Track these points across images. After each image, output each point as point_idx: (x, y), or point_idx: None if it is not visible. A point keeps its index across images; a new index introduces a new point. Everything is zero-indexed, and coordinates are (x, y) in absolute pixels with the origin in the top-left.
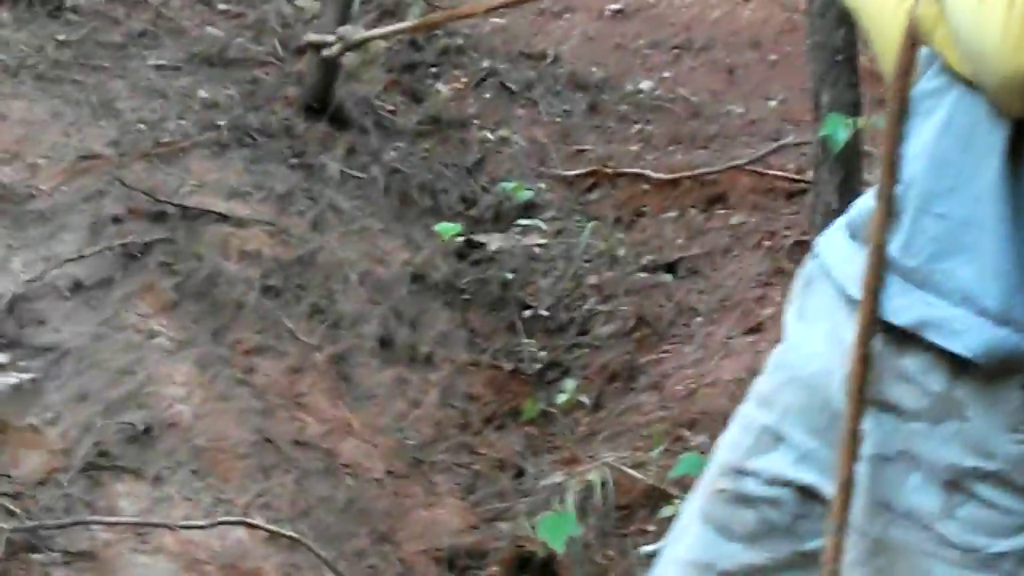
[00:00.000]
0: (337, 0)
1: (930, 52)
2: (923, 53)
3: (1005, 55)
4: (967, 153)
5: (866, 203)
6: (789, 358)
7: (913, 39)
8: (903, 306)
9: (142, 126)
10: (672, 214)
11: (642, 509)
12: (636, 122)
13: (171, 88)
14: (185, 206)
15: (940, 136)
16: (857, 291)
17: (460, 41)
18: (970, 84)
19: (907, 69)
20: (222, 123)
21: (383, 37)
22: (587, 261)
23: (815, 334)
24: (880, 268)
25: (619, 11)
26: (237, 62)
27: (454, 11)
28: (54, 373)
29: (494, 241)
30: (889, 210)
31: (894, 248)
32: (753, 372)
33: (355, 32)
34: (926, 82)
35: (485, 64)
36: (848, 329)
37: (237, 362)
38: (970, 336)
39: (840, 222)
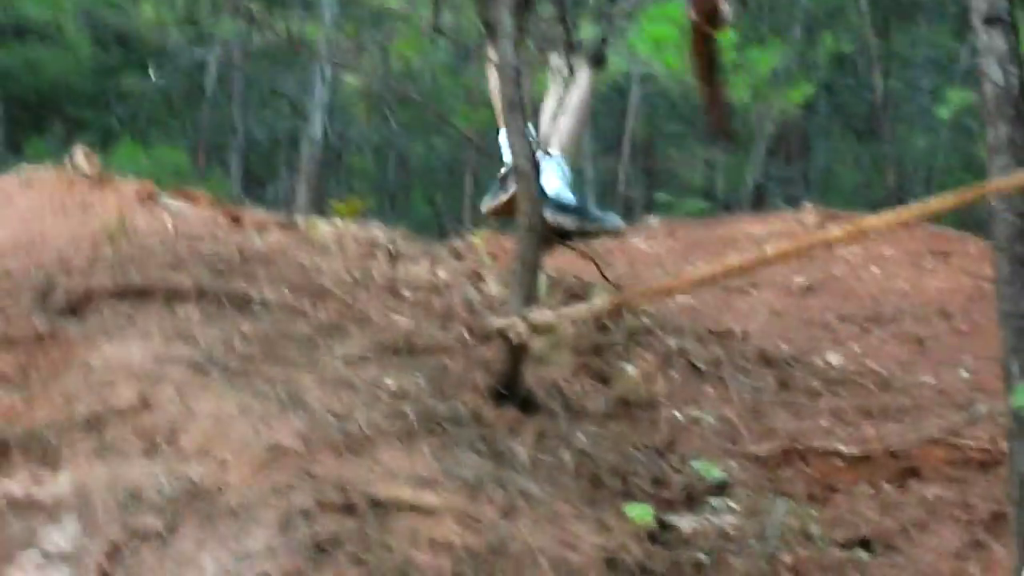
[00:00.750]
0: (523, 285)
1: None
2: None
3: None
4: None
5: None
6: None
7: None
8: None
9: (331, 418)
10: (865, 489)
11: None
12: (826, 397)
13: (358, 378)
14: (375, 497)
15: None
16: None
17: (647, 321)
18: None
19: None
20: (410, 412)
21: (570, 320)
22: (781, 540)
23: None
24: None
25: (806, 286)
26: (424, 350)
27: (641, 292)
28: None
29: (686, 522)
30: None
31: None
32: None
33: (542, 316)
34: None
35: (672, 343)
36: None
37: None
38: None
39: None
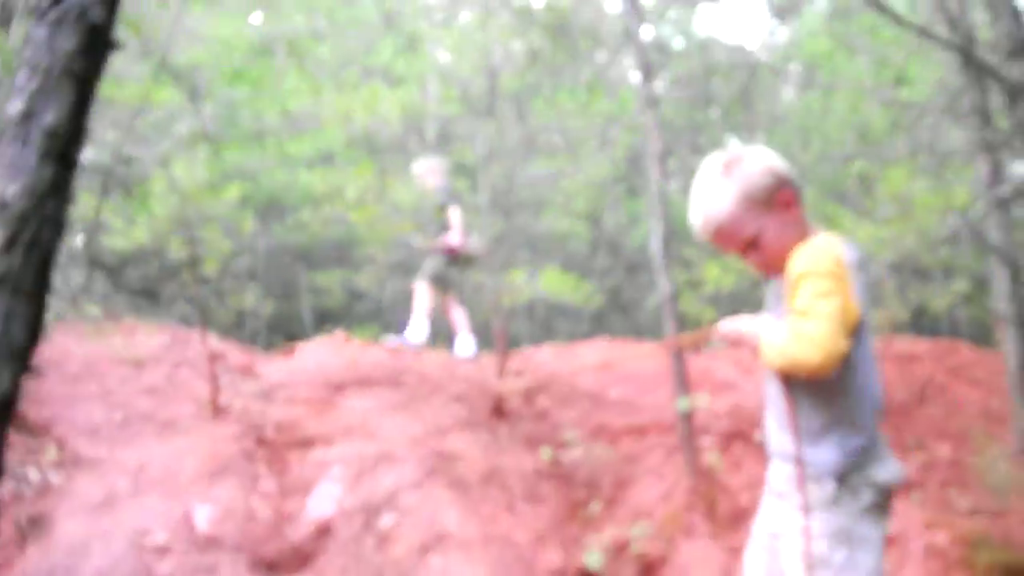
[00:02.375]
0: (498, 362)
1: None
2: None
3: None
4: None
5: None
6: None
7: None
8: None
9: (432, 423)
10: None
11: None
12: None
13: (444, 410)
14: (447, 451)
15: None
16: None
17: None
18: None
19: None
20: (463, 418)
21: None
22: None
23: None
24: None
25: None
26: (466, 397)
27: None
28: None
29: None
30: None
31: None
32: None
33: (512, 384)
34: None
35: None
36: None
37: None
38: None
39: None
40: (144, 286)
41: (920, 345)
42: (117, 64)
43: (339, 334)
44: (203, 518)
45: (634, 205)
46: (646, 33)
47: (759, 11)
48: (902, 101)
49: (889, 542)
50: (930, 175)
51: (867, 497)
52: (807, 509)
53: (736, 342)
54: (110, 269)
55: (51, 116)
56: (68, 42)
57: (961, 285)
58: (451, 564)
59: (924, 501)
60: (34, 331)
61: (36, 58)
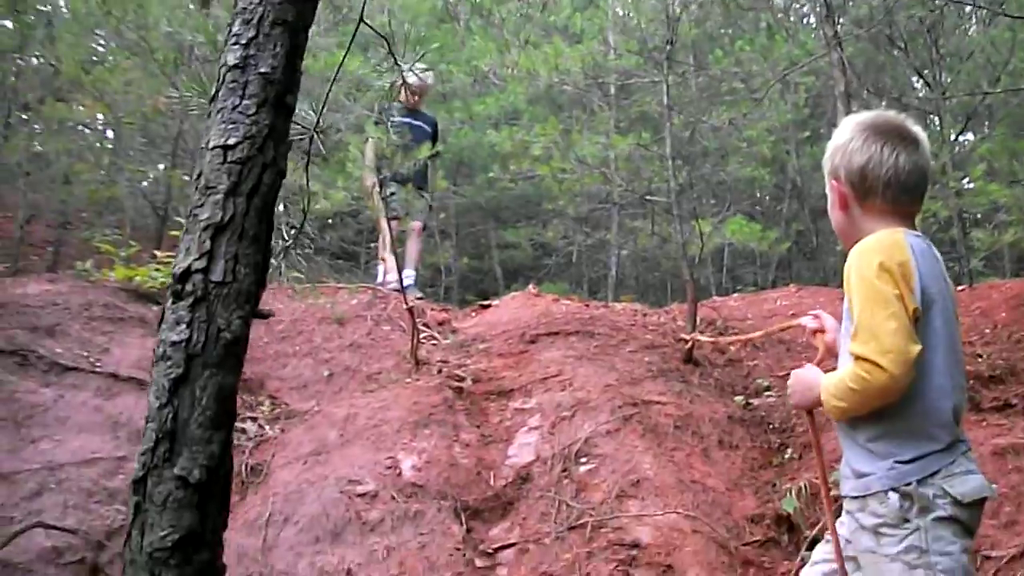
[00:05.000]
0: (689, 320)
1: None
2: None
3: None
4: None
5: None
6: None
7: None
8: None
9: (626, 373)
10: None
11: None
12: None
13: (634, 358)
14: (645, 399)
15: None
16: None
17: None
18: None
19: None
20: (655, 368)
21: (707, 339)
22: None
23: None
24: None
25: None
26: (657, 346)
27: (734, 339)
28: None
29: (759, 401)
30: None
31: None
32: None
33: (703, 336)
34: None
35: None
36: None
37: None
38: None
39: None
40: (342, 248)
41: None
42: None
43: (530, 289)
44: (408, 467)
45: (817, 150)
46: None
47: None
48: None
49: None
50: None
51: (942, 511)
52: (875, 529)
53: (800, 408)
54: (310, 234)
55: (266, 64)
56: None
57: None
58: (648, 509)
59: None
60: (260, 275)
61: (250, 8)
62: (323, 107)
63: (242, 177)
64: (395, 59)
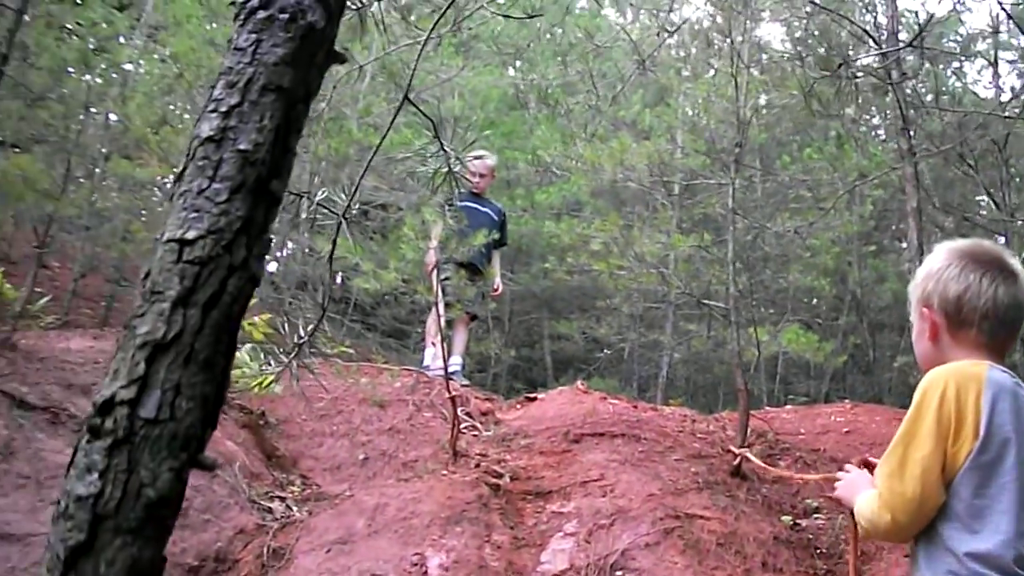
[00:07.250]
0: (740, 432)
1: None
2: None
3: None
4: None
5: None
6: None
7: None
8: None
9: (670, 482)
10: None
11: None
12: None
13: (679, 467)
14: (688, 512)
15: None
16: None
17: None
18: None
19: None
20: (700, 479)
21: (755, 455)
22: None
23: None
24: None
25: None
26: (704, 456)
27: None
28: None
29: (808, 522)
30: None
31: None
32: None
33: (749, 452)
34: None
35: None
36: None
37: None
38: None
39: None
40: (393, 327)
41: None
42: (376, 113)
43: (578, 384)
44: (435, 564)
45: (880, 263)
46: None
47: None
48: None
49: None
50: None
51: None
52: None
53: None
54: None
55: (248, 140)
56: (277, 49)
57: None
58: None
59: None
60: (209, 412)
61: (237, 69)
62: (355, 190)
63: (199, 282)
64: (441, 144)
